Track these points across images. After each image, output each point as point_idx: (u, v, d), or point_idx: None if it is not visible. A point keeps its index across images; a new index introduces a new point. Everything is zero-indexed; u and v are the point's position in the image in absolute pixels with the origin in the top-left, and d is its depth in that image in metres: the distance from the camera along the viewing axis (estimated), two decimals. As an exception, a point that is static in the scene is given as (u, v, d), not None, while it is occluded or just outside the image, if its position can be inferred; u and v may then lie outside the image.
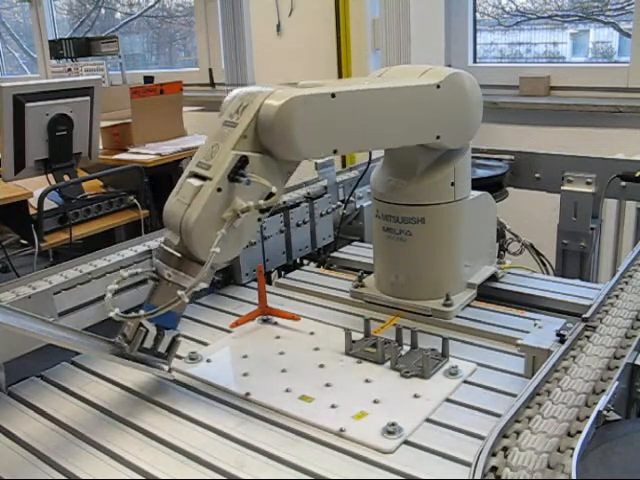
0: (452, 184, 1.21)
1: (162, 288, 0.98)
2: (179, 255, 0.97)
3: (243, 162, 0.95)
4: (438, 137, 1.15)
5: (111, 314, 0.95)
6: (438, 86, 1.13)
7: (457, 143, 1.21)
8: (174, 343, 1.02)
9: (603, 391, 0.76)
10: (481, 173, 1.69)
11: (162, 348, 1.00)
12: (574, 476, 0.62)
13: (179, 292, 0.93)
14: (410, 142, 1.16)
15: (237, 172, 0.94)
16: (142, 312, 0.95)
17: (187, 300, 0.94)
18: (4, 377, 1.04)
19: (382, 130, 1.09)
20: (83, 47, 3.95)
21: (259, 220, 1.02)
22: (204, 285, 0.98)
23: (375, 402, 0.96)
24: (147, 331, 0.97)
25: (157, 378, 1.05)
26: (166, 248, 0.98)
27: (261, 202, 0.96)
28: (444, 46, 3.05)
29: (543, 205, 1.86)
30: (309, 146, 1.00)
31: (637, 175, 1.55)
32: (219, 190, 0.94)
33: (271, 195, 0.97)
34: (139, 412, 0.97)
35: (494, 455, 0.66)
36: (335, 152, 1.03)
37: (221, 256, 0.94)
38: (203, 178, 0.96)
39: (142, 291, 1.23)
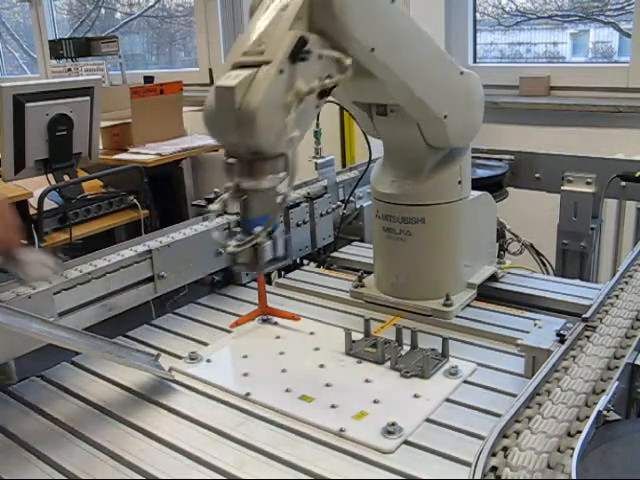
0: (459, 182, 1.22)
1: (252, 199, 0.93)
2: (248, 160, 0.91)
3: (303, 42, 0.90)
4: (445, 117, 1.14)
5: (228, 249, 0.94)
6: (462, 73, 1.16)
7: (460, 141, 1.22)
8: (288, 240, 1.01)
9: (603, 391, 0.76)
10: (481, 173, 1.69)
11: (280, 251, 0.98)
12: (574, 476, 0.62)
13: (278, 189, 0.90)
14: (425, 98, 1.11)
15: (299, 52, 0.89)
16: (258, 229, 0.92)
17: (289, 194, 0.91)
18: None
19: (409, 70, 1.07)
20: (83, 47, 3.95)
21: (317, 107, 0.96)
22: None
23: (375, 402, 0.96)
24: (262, 245, 0.95)
25: (157, 378, 1.05)
26: (231, 161, 0.92)
27: (327, 81, 0.91)
28: (444, 46, 3.04)
29: (543, 205, 1.85)
30: (358, 28, 0.95)
31: (637, 175, 1.55)
32: (281, 72, 0.87)
33: (343, 68, 0.91)
34: (139, 412, 0.97)
35: (494, 455, 0.66)
36: (372, 50, 0.98)
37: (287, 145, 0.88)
38: (252, 67, 0.89)
39: (142, 291, 1.24)
